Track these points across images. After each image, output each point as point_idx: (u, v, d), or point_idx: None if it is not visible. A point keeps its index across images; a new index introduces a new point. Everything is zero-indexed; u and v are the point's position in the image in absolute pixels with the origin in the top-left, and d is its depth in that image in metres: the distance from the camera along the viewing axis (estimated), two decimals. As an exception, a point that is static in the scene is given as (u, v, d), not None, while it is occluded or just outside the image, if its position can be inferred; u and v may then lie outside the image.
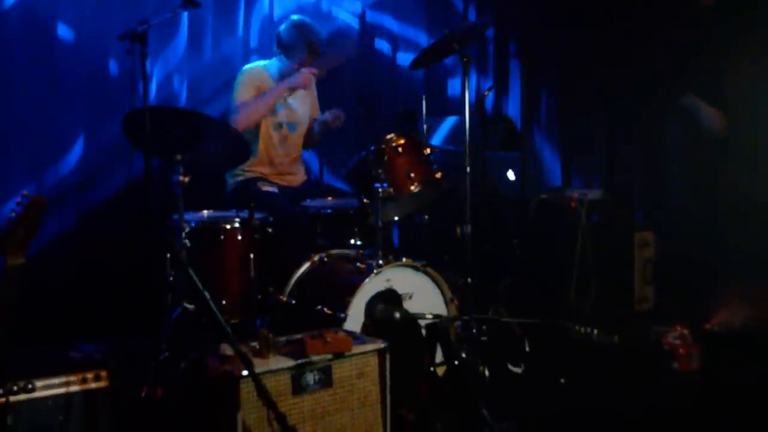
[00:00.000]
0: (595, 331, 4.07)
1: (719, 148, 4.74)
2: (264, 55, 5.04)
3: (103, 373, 2.86)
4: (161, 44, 4.92)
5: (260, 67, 4.73)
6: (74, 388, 2.80)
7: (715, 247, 4.76)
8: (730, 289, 4.62)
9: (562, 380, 3.91)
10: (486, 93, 4.81)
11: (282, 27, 4.71)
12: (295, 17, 4.72)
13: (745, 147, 4.66)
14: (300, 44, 4.61)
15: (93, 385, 2.83)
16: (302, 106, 4.84)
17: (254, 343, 3.02)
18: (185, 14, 4.82)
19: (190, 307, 3.62)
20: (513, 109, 6.31)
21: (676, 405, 3.81)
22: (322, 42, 4.68)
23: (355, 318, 3.65)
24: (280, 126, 4.71)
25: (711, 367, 4.04)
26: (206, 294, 2.75)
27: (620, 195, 5.38)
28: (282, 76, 4.68)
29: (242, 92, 4.56)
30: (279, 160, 4.73)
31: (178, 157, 3.62)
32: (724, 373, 4.01)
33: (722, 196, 4.73)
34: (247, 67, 4.72)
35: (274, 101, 4.57)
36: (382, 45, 5.94)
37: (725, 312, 4.52)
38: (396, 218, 4.39)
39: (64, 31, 4.65)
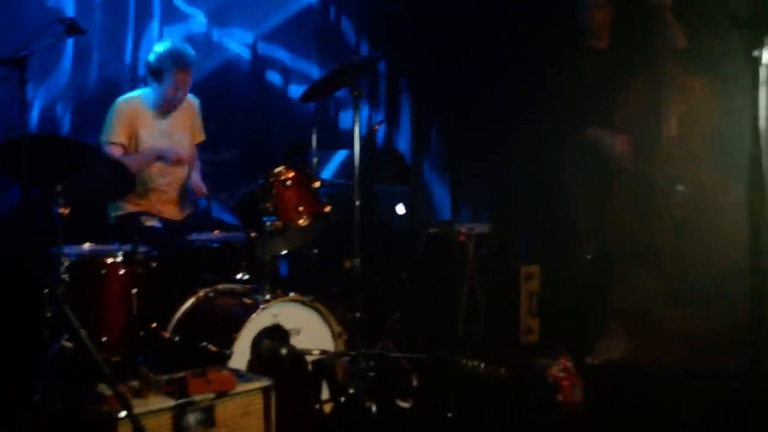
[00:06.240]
0: (482, 365, 4.13)
1: (609, 183, 4.85)
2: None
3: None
4: (44, 70, 4.77)
5: (136, 98, 4.57)
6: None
7: (599, 280, 4.89)
8: (611, 323, 4.76)
9: (450, 414, 3.93)
10: (377, 126, 4.85)
11: (149, 55, 4.54)
12: (160, 44, 4.57)
13: (636, 182, 4.79)
14: (168, 65, 4.43)
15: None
16: (181, 131, 4.67)
17: (135, 383, 2.93)
18: (70, 40, 4.68)
19: (69, 344, 3.48)
20: (404, 143, 6.36)
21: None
22: (192, 57, 4.50)
23: (241, 354, 3.59)
24: (159, 157, 4.55)
25: (593, 399, 4.14)
26: (82, 331, 2.65)
27: (507, 228, 5.47)
28: (157, 105, 4.54)
29: (114, 130, 4.43)
30: (162, 189, 4.59)
31: (58, 187, 3.50)
32: (605, 404, 4.13)
33: (609, 232, 4.86)
34: (121, 99, 4.55)
35: (141, 167, 4.38)
36: (274, 77, 5.92)
37: (605, 346, 4.66)
38: (284, 252, 4.35)
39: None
